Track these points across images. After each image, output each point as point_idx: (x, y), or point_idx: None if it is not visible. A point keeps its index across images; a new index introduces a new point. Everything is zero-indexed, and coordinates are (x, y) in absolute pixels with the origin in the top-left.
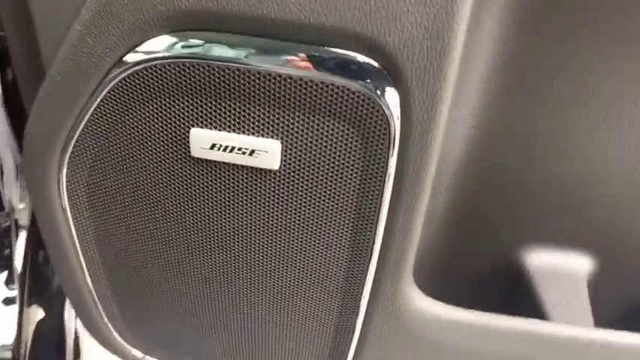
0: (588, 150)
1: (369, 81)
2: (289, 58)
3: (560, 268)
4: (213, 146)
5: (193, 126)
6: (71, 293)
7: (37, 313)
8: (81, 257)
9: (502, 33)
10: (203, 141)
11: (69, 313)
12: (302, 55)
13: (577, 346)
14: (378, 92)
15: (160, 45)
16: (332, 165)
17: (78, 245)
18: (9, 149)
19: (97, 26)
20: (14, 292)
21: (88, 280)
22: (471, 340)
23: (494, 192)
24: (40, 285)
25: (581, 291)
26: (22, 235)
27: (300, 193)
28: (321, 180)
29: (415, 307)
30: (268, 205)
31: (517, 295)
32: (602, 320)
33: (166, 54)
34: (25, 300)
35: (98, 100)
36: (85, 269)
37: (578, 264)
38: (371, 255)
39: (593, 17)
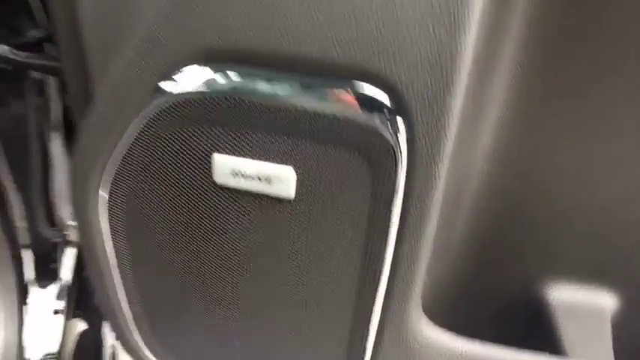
0: (611, 181)
1: (376, 113)
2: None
3: (584, 304)
4: (233, 173)
5: (217, 152)
6: (106, 310)
7: (80, 326)
8: (117, 276)
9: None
10: (224, 167)
11: (107, 327)
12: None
13: None
14: (385, 124)
15: (200, 76)
16: (343, 193)
17: (114, 264)
18: (63, 168)
19: (145, 54)
20: (62, 304)
21: (123, 297)
22: None
23: (513, 222)
24: (84, 299)
25: (605, 329)
26: (72, 251)
27: (314, 221)
28: (333, 208)
29: (423, 337)
30: (285, 231)
31: (535, 330)
32: None
33: (207, 89)
34: (70, 312)
35: (139, 127)
36: (121, 287)
37: (603, 301)
38: (379, 282)
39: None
